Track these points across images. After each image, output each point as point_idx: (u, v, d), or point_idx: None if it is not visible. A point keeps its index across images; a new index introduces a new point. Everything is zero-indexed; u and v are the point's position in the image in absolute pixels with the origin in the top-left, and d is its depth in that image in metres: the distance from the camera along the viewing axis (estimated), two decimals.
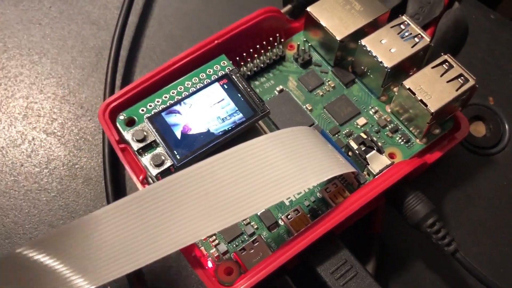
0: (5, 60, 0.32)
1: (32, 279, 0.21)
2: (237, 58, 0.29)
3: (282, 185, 0.22)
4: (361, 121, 0.28)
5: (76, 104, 0.31)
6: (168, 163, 0.25)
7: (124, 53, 0.32)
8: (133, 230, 0.21)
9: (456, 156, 0.30)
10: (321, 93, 0.29)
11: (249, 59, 0.29)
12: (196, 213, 0.21)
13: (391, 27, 0.28)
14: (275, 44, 0.30)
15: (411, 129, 0.28)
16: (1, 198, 0.28)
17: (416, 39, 0.28)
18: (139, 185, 0.25)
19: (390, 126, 0.28)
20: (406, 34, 0.28)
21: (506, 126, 0.31)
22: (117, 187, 0.28)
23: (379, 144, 0.27)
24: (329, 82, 0.29)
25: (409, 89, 0.26)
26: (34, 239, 0.21)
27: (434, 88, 0.26)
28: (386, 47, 0.27)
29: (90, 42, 0.33)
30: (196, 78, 0.27)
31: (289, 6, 0.31)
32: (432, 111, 0.25)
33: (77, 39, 0.33)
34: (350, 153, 0.27)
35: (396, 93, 0.27)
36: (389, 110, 0.29)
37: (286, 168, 0.22)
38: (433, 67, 0.27)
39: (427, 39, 0.28)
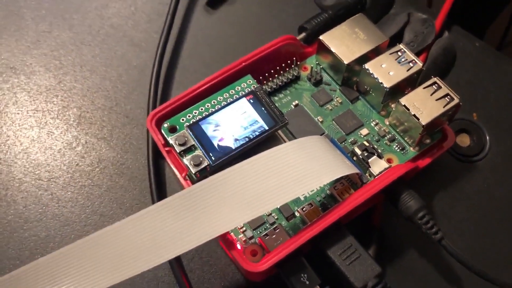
0: (61, 75, 0.36)
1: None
2: (260, 78, 0.32)
3: (301, 183, 0.26)
4: (364, 131, 0.32)
5: (122, 114, 0.35)
6: (205, 163, 0.29)
7: (162, 71, 0.36)
8: (182, 220, 0.25)
9: (445, 163, 0.34)
10: (330, 108, 0.33)
11: (270, 78, 0.33)
12: (231, 206, 0.25)
13: (390, 53, 0.32)
14: (292, 66, 0.33)
15: (406, 139, 0.31)
16: (60, 191, 0.33)
17: (411, 64, 0.32)
18: (182, 180, 0.29)
19: (388, 136, 0.32)
20: (403, 60, 0.32)
21: (488, 138, 0.35)
22: (159, 183, 0.33)
23: (379, 150, 0.31)
24: (337, 99, 0.33)
25: (404, 105, 0.30)
26: (84, 237, 0.24)
27: (425, 105, 0.30)
28: (386, 70, 0.32)
29: (133, 62, 0.37)
30: (227, 94, 0.31)
31: (303, 34, 0.35)
32: (423, 124, 0.29)
33: (122, 59, 0.37)
34: (354, 158, 0.31)
35: (393, 109, 0.31)
36: (387, 123, 0.32)
37: (304, 169, 0.26)
38: (424, 88, 0.31)
39: (419, 64, 0.32)
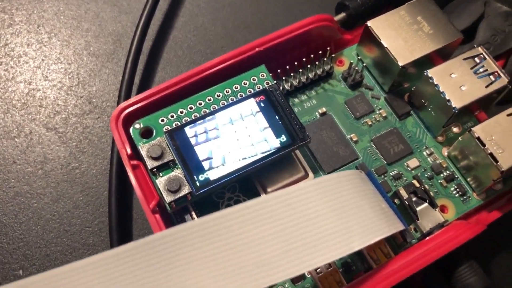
0: (10, 35, 0.28)
1: None
2: (279, 71, 0.25)
3: (322, 247, 0.18)
4: (413, 162, 0.25)
5: (84, 98, 0.27)
6: (185, 190, 0.21)
7: (146, 44, 0.28)
8: (143, 280, 0.17)
9: None
10: (369, 123, 0.26)
11: (291, 73, 0.25)
12: (219, 272, 0.17)
13: (464, 59, 0.24)
14: (323, 57, 0.26)
15: (468, 179, 0.24)
16: None
17: (492, 78, 0.24)
18: (149, 214, 0.21)
19: (445, 174, 0.25)
20: (481, 69, 0.24)
21: None
22: (121, 202, 0.24)
23: (431, 194, 0.23)
24: (380, 111, 0.26)
25: (478, 138, 0.22)
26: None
27: (508, 141, 0.22)
28: (456, 83, 0.23)
29: (108, 26, 0.29)
30: (229, 90, 0.24)
31: (343, 14, 0.28)
32: (504, 169, 0.22)
33: (94, 21, 0.29)
34: (396, 200, 0.23)
35: (460, 139, 0.23)
36: (445, 154, 0.25)
37: (328, 225, 0.18)
38: (509, 115, 0.23)
39: (505, 79, 0.24)
